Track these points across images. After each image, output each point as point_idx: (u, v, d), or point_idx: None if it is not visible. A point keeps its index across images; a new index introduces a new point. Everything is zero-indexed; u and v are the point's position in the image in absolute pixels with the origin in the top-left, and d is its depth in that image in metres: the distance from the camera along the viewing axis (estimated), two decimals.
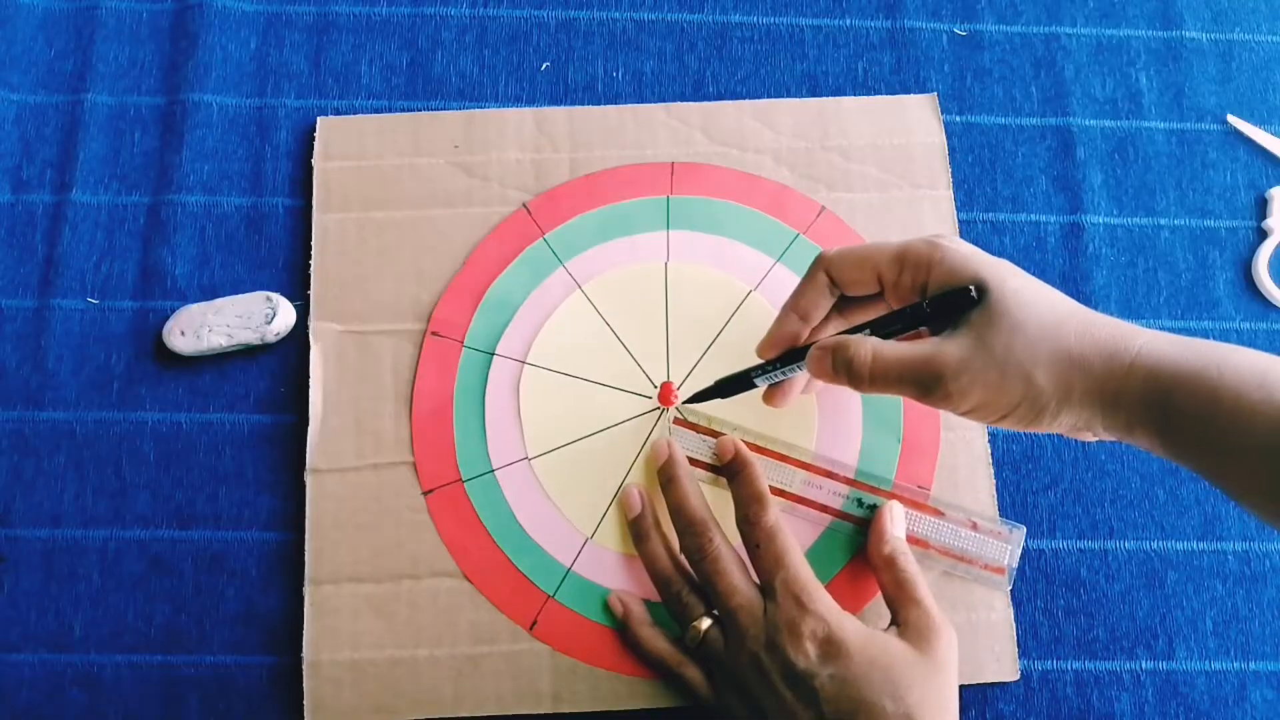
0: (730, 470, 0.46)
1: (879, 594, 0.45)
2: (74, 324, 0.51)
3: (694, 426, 0.48)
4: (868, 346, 0.39)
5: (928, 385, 0.38)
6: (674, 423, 0.48)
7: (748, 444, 0.47)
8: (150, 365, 0.50)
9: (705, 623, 0.43)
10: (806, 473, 0.47)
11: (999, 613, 0.47)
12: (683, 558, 0.45)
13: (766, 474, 0.46)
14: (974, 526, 0.47)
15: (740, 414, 0.48)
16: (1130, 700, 0.46)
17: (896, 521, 0.46)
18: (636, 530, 0.46)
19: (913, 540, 0.46)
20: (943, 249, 0.39)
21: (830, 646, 0.40)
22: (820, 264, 0.42)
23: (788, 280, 0.50)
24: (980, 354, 0.37)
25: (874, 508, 0.47)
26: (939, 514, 0.47)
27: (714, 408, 0.48)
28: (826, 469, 0.47)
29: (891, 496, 0.47)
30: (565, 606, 0.46)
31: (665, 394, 0.49)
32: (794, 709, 0.40)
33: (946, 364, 0.37)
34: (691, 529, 0.44)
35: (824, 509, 0.47)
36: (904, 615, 0.42)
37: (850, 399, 0.49)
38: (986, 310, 0.37)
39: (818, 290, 0.43)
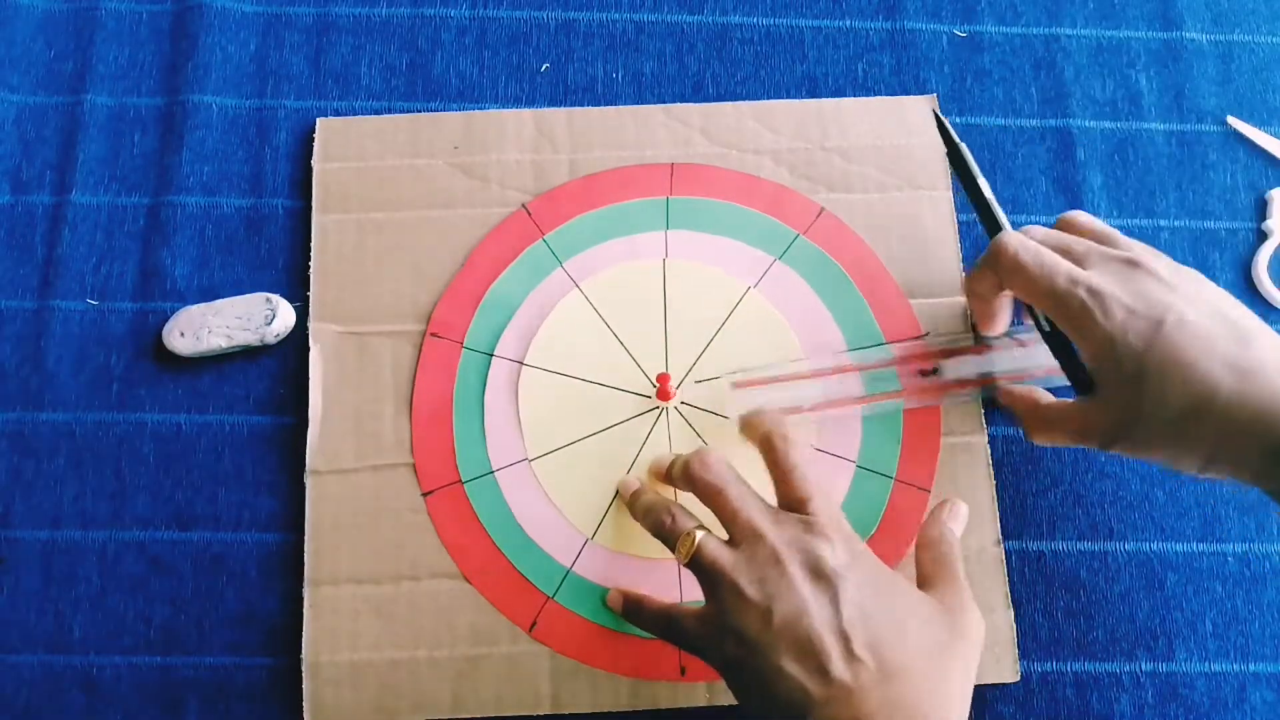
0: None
1: (906, 554, 0.46)
2: (74, 325, 0.51)
3: (751, 382, 0.48)
4: (1042, 406, 0.44)
5: (1087, 443, 0.42)
6: (736, 385, 0.48)
7: (761, 380, 0.48)
8: (150, 366, 0.50)
9: (699, 533, 0.40)
10: (820, 379, 0.48)
11: (999, 614, 0.47)
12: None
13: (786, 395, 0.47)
14: (1020, 344, 0.48)
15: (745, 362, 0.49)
16: (1130, 702, 0.46)
17: (956, 516, 0.45)
18: (631, 498, 0.45)
19: (977, 382, 0.48)
20: (1091, 322, 0.40)
21: (859, 558, 0.39)
22: (999, 267, 0.43)
23: (787, 279, 0.51)
24: (1126, 421, 0.40)
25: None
26: (985, 350, 0.48)
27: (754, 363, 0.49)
28: (829, 369, 0.49)
29: (893, 364, 0.48)
30: (565, 607, 0.46)
31: (663, 388, 0.49)
32: (807, 607, 0.37)
33: (1096, 431, 0.42)
34: (695, 482, 0.42)
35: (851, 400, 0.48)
36: (937, 591, 0.41)
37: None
38: (1137, 377, 0.39)
39: (989, 284, 0.45)
